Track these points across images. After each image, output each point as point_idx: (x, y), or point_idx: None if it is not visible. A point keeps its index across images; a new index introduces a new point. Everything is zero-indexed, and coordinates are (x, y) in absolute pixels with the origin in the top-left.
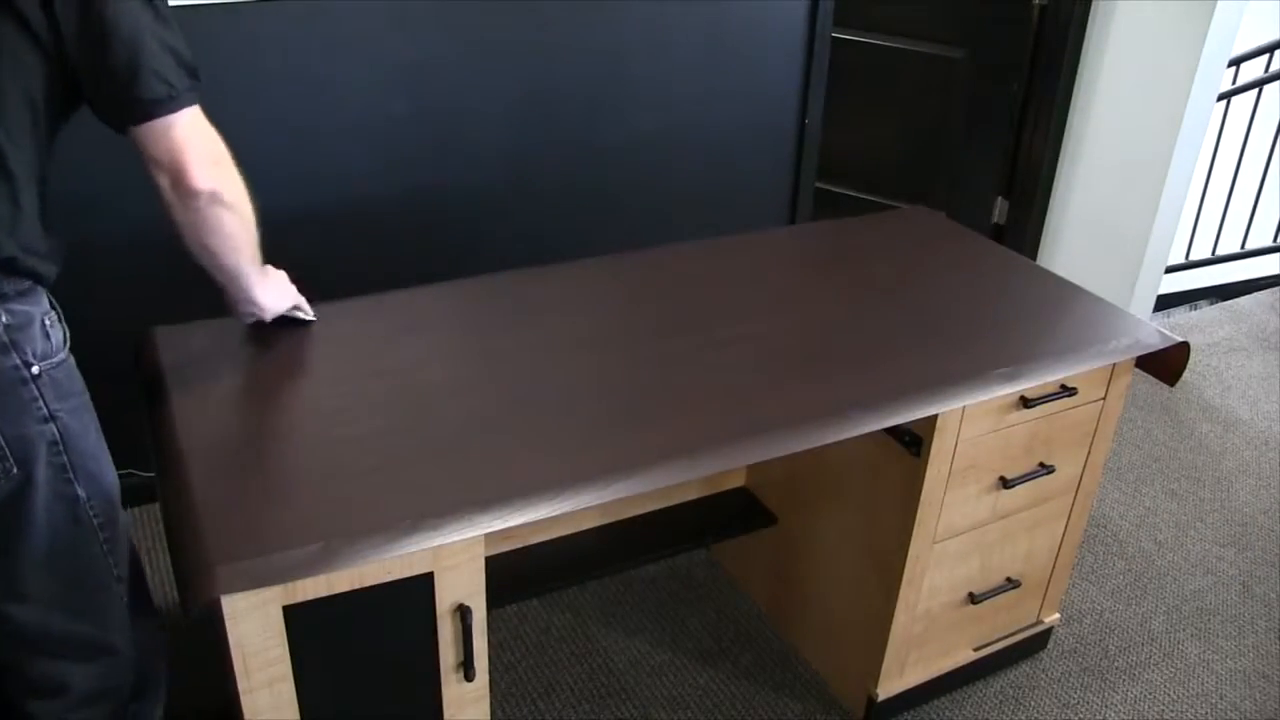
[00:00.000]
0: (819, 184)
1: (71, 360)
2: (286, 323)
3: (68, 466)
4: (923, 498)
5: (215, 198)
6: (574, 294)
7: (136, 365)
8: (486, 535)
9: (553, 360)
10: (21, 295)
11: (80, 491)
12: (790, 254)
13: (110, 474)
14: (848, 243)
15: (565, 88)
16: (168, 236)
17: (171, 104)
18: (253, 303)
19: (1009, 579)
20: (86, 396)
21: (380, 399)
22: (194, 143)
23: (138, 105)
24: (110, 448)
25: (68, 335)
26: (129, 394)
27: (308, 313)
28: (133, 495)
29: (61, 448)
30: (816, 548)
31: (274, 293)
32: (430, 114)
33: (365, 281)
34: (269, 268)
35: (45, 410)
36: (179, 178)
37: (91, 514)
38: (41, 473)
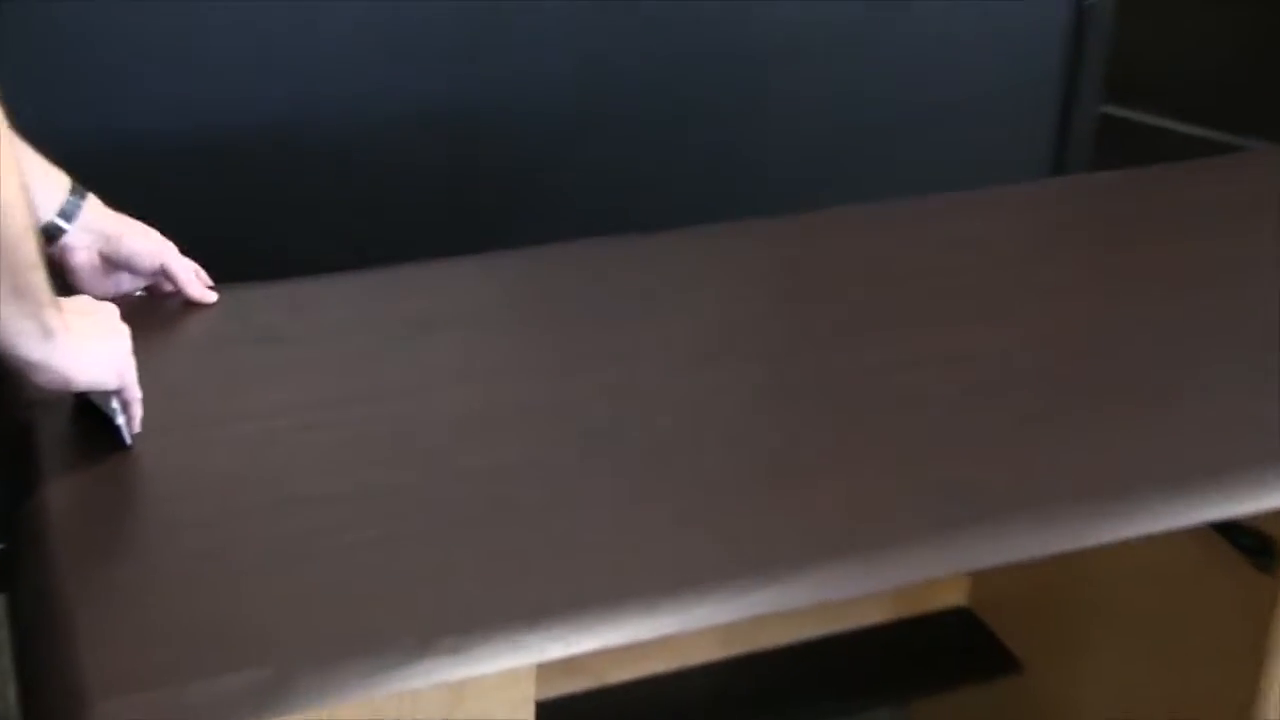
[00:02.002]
0: (1108, 108)
1: None
2: (91, 412)
3: None
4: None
5: None
6: (682, 279)
7: None
8: (540, 666)
9: (647, 382)
10: None
11: None
12: (1047, 224)
13: None
14: (1148, 206)
15: None
16: None
17: None
18: (27, 366)
19: None
20: None
21: (376, 436)
22: None
23: None
24: None
25: None
26: None
27: (131, 412)
28: None
29: None
30: (1088, 709)
31: (71, 354)
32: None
33: (359, 248)
34: (79, 300)
35: None
36: None
37: None
38: None
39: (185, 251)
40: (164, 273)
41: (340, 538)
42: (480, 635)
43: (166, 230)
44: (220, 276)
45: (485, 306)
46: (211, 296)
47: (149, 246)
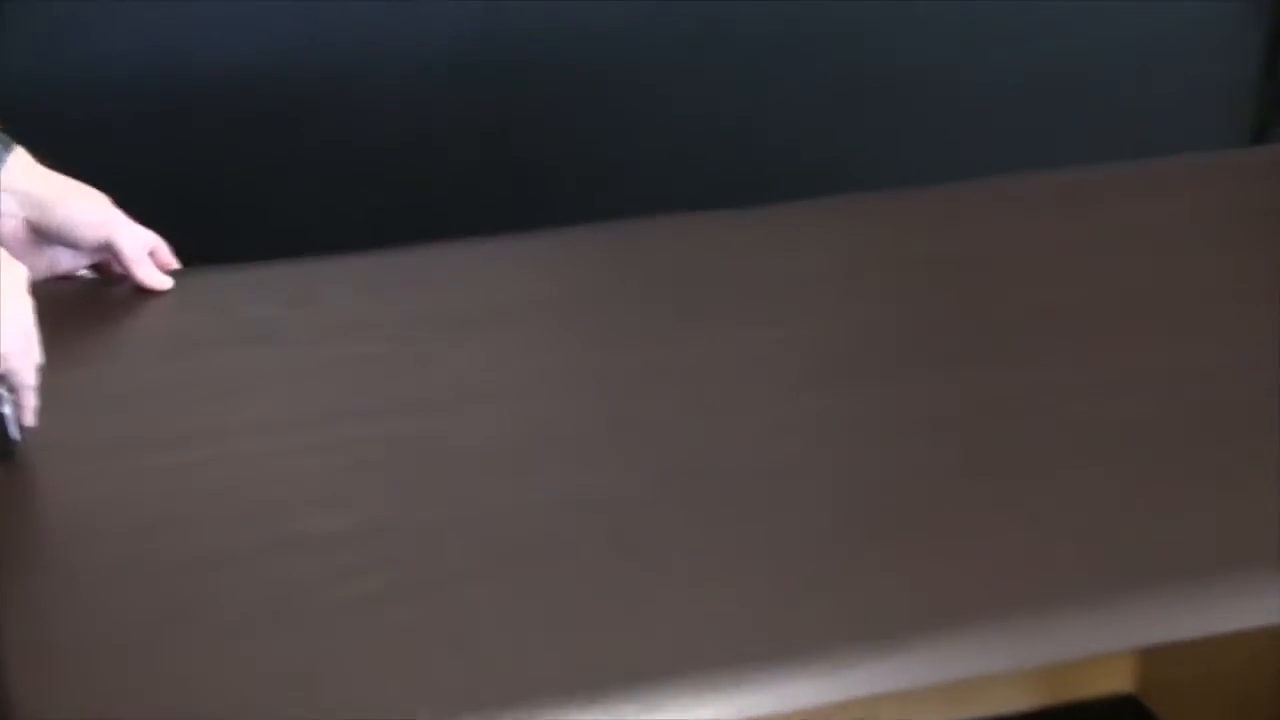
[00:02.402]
0: None
1: None
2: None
3: None
4: None
5: None
6: (784, 267)
7: None
8: None
9: (733, 402)
10: None
11: None
12: (1248, 204)
13: None
14: None
15: None
16: None
17: None
18: None
19: None
20: None
21: (389, 461)
22: None
23: None
24: None
25: None
26: None
27: (21, 401)
28: None
29: None
30: None
31: None
32: None
33: (373, 224)
34: None
35: None
36: None
37: None
38: None
39: (162, 227)
40: (110, 248)
41: (341, 588)
42: (513, 713)
43: (141, 200)
44: (202, 257)
45: (528, 299)
46: (166, 282)
47: (90, 215)
